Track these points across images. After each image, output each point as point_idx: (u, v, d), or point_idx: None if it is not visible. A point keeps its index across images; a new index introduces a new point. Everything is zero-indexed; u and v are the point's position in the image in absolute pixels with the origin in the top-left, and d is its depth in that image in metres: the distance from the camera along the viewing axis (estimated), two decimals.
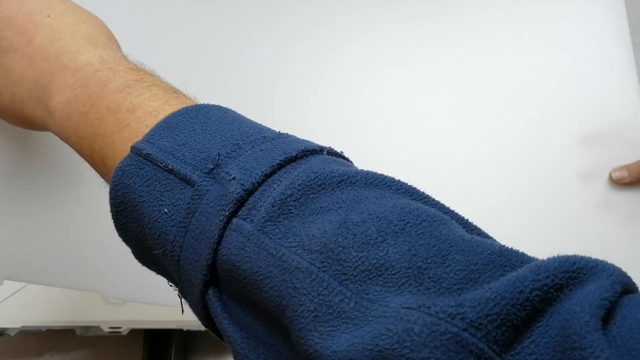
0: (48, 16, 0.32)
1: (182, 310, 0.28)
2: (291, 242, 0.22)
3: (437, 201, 0.25)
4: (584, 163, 0.57)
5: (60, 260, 0.43)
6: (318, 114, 0.57)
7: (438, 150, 0.58)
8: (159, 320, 0.52)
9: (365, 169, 0.26)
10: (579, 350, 0.17)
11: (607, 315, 0.19)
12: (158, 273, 0.28)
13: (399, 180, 0.25)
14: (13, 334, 0.50)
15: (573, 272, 0.20)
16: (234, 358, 0.24)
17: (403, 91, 0.60)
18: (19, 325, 0.50)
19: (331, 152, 0.26)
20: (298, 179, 0.23)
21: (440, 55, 0.63)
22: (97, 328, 0.51)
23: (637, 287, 0.21)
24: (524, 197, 0.56)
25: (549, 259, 0.20)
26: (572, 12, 0.64)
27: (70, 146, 0.30)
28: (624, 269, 0.21)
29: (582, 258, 0.20)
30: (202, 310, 0.24)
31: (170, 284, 0.27)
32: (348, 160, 0.27)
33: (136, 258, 0.28)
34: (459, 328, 0.18)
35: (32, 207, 0.42)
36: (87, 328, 0.51)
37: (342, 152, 0.27)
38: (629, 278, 0.21)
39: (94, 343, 0.56)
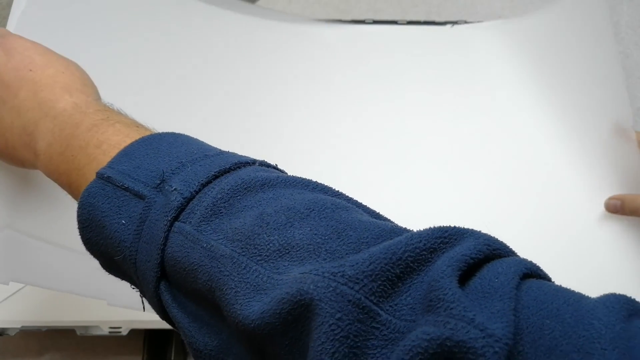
0: (30, 70, 0.36)
1: (144, 308, 0.32)
2: (219, 235, 0.26)
3: (351, 197, 0.29)
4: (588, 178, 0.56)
5: (67, 265, 0.45)
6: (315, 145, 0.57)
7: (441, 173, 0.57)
8: (159, 320, 0.51)
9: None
10: (435, 292, 0.21)
11: (472, 273, 0.22)
12: (122, 279, 0.32)
13: (316, 181, 0.29)
14: (13, 334, 0.50)
15: (445, 238, 0.23)
16: (184, 340, 0.28)
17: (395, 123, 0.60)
18: (18, 325, 0.50)
19: (263, 164, 0.31)
20: (227, 185, 0.27)
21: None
22: (97, 328, 0.51)
23: (514, 253, 0.24)
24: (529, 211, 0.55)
25: (425, 229, 0.24)
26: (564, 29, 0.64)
27: (55, 182, 0.34)
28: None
29: (454, 227, 0.24)
30: (157, 303, 0.29)
31: (133, 287, 0.31)
32: (281, 171, 0.31)
33: (103, 268, 0.32)
34: (338, 282, 0.22)
35: (42, 212, 0.44)
36: (87, 328, 0.51)
37: (276, 164, 0.31)
38: (501, 244, 0.24)
39: (94, 343, 0.56)
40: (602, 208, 0.54)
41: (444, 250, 0.23)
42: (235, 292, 0.24)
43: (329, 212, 0.26)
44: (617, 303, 0.21)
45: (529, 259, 0.24)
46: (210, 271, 0.25)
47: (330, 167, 0.56)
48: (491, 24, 0.66)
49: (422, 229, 0.24)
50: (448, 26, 0.67)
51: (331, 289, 0.22)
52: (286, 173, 0.31)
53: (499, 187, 0.56)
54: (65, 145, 0.33)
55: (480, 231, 0.24)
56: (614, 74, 0.58)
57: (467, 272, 0.22)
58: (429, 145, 0.58)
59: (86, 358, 0.56)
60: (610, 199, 0.54)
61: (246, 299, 0.24)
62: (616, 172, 0.55)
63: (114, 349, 0.56)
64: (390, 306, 0.22)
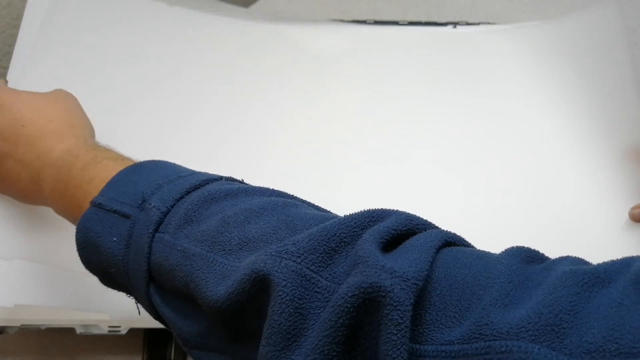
0: (22, 126, 0.41)
1: (139, 312, 0.36)
2: (191, 239, 0.31)
3: (304, 200, 0.34)
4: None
5: (69, 283, 0.48)
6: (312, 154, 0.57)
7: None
8: None
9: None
10: (357, 254, 0.25)
11: (396, 244, 0.27)
12: (119, 290, 0.36)
13: (273, 188, 0.34)
14: (12, 332, 0.50)
15: (373, 217, 0.28)
16: (174, 332, 0.32)
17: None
18: (18, 324, 0.49)
19: (229, 179, 0.36)
20: (196, 198, 0.32)
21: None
22: (97, 327, 0.51)
23: (436, 229, 0.28)
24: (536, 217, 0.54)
25: (358, 212, 0.28)
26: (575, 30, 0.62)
27: (65, 218, 0.40)
28: None
29: (382, 209, 0.29)
30: (149, 304, 0.33)
31: (128, 295, 0.36)
32: (246, 184, 0.36)
33: (102, 283, 0.37)
34: (283, 258, 0.26)
35: (46, 241, 0.48)
36: (86, 326, 0.51)
37: (242, 179, 0.37)
38: (425, 221, 0.28)
39: (94, 342, 0.56)
40: (625, 217, 0.52)
41: (372, 226, 0.27)
42: (206, 282, 0.29)
43: (280, 209, 0.31)
44: (517, 251, 0.26)
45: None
46: (185, 269, 0.30)
47: (329, 168, 0.56)
48: (497, 27, 0.66)
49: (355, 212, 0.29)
50: (450, 27, 0.67)
51: (277, 263, 0.26)
52: (251, 185, 0.35)
53: (502, 191, 0.55)
54: (64, 187, 0.38)
55: (404, 211, 0.29)
56: (627, 86, 0.57)
57: (394, 244, 0.27)
58: (431, 147, 0.58)
59: (86, 357, 0.56)
60: (634, 208, 0.52)
61: (215, 286, 0.28)
62: (633, 181, 0.53)
63: (114, 348, 0.56)
64: (329, 274, 0.26)
